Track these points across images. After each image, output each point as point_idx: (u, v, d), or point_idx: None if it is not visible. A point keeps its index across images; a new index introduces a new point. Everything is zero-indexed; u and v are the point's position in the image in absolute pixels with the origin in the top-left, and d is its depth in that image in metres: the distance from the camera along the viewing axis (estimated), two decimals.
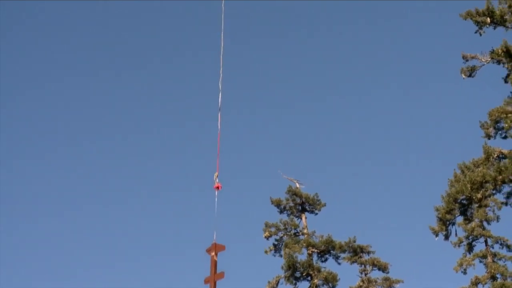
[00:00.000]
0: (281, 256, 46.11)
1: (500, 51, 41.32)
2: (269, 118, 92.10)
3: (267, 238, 46.94)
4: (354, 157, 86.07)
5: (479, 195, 40.54)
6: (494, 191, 40.34)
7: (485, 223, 42.51)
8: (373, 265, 46.60)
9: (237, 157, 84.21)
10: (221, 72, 29.46)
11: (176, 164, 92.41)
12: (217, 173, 27.40)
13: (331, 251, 46.69)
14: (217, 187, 27.41)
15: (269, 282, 45.61)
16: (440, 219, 41.83)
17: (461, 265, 42.27)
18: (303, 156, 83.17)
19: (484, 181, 39.66)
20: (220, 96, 29.09)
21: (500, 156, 40.40)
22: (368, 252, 46.98)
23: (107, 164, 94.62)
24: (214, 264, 26.13)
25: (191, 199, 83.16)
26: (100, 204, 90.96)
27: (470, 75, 42.83)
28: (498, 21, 42.14)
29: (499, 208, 41.60)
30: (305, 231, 47.41)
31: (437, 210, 41.91)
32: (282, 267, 45.29)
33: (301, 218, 48.13)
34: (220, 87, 29.32)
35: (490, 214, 42.14)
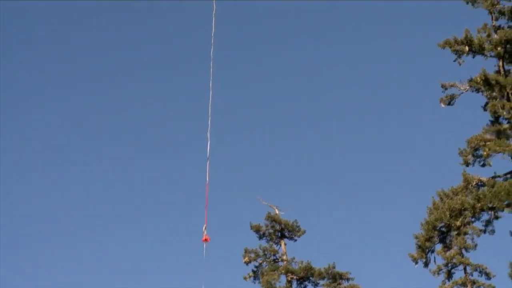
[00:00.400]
0: (260, 283, 46.03)
1: (479, 79, 41.67)
2: (249, 144, 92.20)
3: (247, 263, 46.91)
4: (334, 183, 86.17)
5: (458, 223, 40.69)
6: (473, 219, 40.50)
7: (464, 251, 42.68)
8: None
9: (217, 183, 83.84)
10: (209, 115, 28.60)
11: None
12: (205, 225, 26.63)
13: (310, 278, 46.69)
14: (205, 240, 26.70)
15: None
16: (420, 247, 41.90)
17: None
18: (283, 182, 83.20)
19: (463, 208, 39.82)
20: (208, 146, 28.18)
21: (479, 183, 40.61)
22: (347, 279, 47.00)
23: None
24: None
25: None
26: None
27: (449, 104, 43.14)
28: (477, 50, 42.54)
29: (478, 236, 41.79)
30: (284, 257, 47.42)
31: (416, 237, 41.98)
32: None
33: (280, 245, 48.14)
34: (208, 137, 28.41)
35: (469, 242, 42.31)
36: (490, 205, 39.10)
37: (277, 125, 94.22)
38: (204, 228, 26.47)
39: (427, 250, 41.95)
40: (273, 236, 48.17)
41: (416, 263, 42.41)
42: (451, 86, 42.98)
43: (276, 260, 47.21)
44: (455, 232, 41.63)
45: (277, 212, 48.64)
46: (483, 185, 40.35)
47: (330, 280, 46.74)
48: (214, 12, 31.80)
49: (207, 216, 26.34)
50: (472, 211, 39.59)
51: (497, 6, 42.47)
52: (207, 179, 27.17)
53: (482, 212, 39.74)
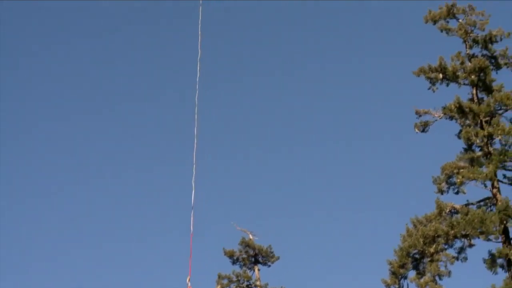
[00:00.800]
0: None
1: (452, 107, 41.99)
2: (224, 168, 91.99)
3: None
4: (308, 209, 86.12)
5: (431, 250, 40.71)
6: (446, 246, 40.57)
7: (437, 278, 42.67)
8: None
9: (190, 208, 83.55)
10: (194, 164, 27.91)
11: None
12: (189, 277, 25.90)
13: None
14: None
15: None
16: (393, 273, 41.87)
17: None
18: (257, 207, 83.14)
19: (436, 235, 39.90)
20: (193, 195, 27.23)
21: (452, 211, 40.78)
22: None
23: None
24: None
25: None
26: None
27: (423, 130, 43.40)
28: (451, 78, 42.90)
29: (451, 263, 41.76)
30: (258, 283, 47.28)
31: (390, 263, 41.96)
32: None
33: (254, 270, 47.98)
34: (193, 185, 27.51)
35: (443, 269, 42.28)
36: (463, 233, 39.24)
37: (252, 150, 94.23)
38: (188, 279, 25.51)
39: (400, 277, 41.91)
40: (247, 262, 48.03)
41: None
42: (425, 113, 43.27)
43: (250, 286, 47.06)
44: (429, 259, 41.61)
45: (251, 237, 48.53)
46: (457, 212, 40.53)
47: None
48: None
49: (191, 267, 25.45)
50: (445, 238, 39.69)
51: (471, 35, 42.91)
52: (192, 229, 26.13)
53: (455, 239, 39.87)
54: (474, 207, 40.55)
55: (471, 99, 42.36)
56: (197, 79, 29.28)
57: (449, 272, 42.29)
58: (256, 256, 47.97)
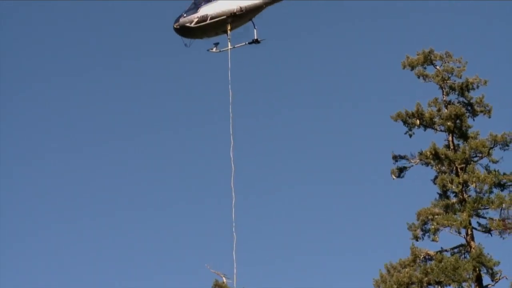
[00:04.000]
0: None
1: (428, 153, 42.11)
2: (197, 209, 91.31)
3: None
4: (281, 254, 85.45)
5: None
6: None
7: None
8: None
9: (165, 249, 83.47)
10: None
11: None
12: None
13: None
14: None
15: None
16: None
17: None
18: (231, 249, 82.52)
19: (410, 282, 39.71)
20: None
21: (427, 257, 40.68)
22: None
23: None
24: None
25: None
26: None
27: (399, 176, 43.40)
28: (428, 124, 43.05)
29: None
30: None
31: None
32: None
33: None
34: None
35: None
36: (437, 280, 39.10)
37: (221, 196, 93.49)
38: None
39: None
40: None
41: None
42: (402, 158, 43.35)
43: None
44: None
45: (224, 280, 48.14)
46: (431, 259, 40.45)
47: None
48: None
49: None
50: (419, 285, 39.54)
51: (447, 81, 43.12)
52: None
53: (429, 286, 39.71)
54: (448, 254, 40.52)
55: (447, 146, 42.49)
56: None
57: None
58: None
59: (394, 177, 43.50)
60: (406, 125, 43.36)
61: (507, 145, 41.72)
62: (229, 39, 37.98)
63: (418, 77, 43.53)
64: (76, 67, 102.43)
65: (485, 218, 40.64)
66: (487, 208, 40.51)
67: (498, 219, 40.08)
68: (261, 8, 37.68)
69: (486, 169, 41.49)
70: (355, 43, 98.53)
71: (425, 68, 43.58)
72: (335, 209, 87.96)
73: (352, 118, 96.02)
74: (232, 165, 36.77)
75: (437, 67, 43.44)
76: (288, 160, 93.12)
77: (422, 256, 40.47)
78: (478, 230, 40.63)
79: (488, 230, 40.39)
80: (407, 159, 43.18)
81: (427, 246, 40.93)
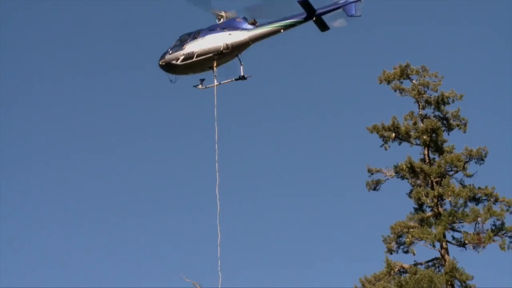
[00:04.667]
0: None
1: (404, 166, 42.28)
2: (175, 222, 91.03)
3: None
4: (259, 265, 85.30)
5: None
6: None
7: None
8: None
9: (140, 259, 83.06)
10: None
11: None
12: None
13: None
14: None
15: None
16: None
17: None
18: (206, 258, 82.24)
19: None
20: None
21: (401, 270, 40.78)
22: None
23: None
24: None
25: None
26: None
27: (374, 189, 43.53)
28: (403, 137, 43.25)
29: None
30: None
31: None
32: None
33: None
34: None
35: None
36: None
37: (204, 203, 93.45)
38: None
39: None
40: None
41: None
42: (377, 171, 43.47)
43: None
44: None
45: None
46: (405, 272, 40.56)
47: None
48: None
49: None
50: None
51: (423, 96, 43.37)
52: None
53: None
54: (422, 267, 40.63)
55: (423, 159, 42.68)
56: None
57: None
58: None
59: (369, 189, 43.64)
60: (382, 138, 43.54)
61: (482, 160, 42.02)
62: (215, 76, 37.72)
63: (394, 91, 43.77)
64: (76, 67, 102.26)
65: (459, 232, 40.86)
66: (462, 222, 40.75)
67: (473, 233, 40.31)
68: (247, 45, 37.47)
69: (461, 183, 41.75)
70: (334, 60, 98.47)
71: (401, 82, 43.85)
72: (309, 221, 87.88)
73: (328, 131, 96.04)
74: (217, 176, 36.62)
75: (414, 81, 43.71)
76: (264, 171, 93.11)
77: (397, 269, 40.56)
78: (453, 244, 40.83)
79: (462, 244, 40.60)
80: (383, 173, 43.31)
81: (402, 259, 41.10)
